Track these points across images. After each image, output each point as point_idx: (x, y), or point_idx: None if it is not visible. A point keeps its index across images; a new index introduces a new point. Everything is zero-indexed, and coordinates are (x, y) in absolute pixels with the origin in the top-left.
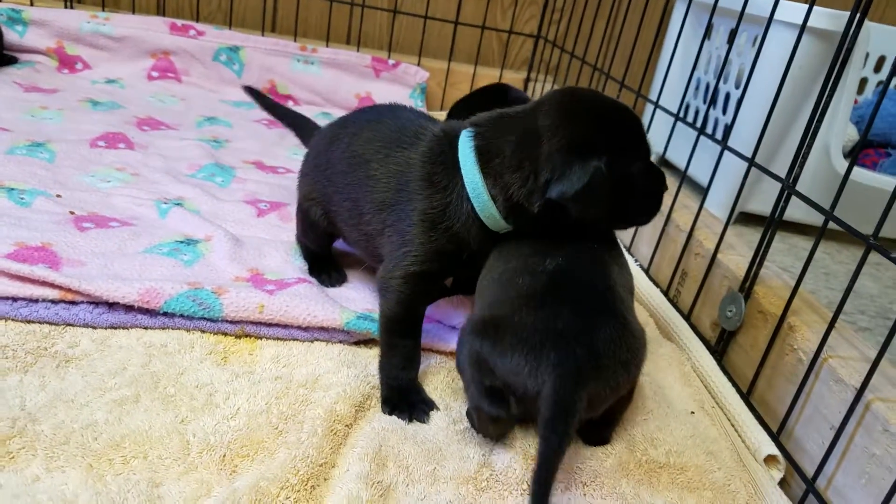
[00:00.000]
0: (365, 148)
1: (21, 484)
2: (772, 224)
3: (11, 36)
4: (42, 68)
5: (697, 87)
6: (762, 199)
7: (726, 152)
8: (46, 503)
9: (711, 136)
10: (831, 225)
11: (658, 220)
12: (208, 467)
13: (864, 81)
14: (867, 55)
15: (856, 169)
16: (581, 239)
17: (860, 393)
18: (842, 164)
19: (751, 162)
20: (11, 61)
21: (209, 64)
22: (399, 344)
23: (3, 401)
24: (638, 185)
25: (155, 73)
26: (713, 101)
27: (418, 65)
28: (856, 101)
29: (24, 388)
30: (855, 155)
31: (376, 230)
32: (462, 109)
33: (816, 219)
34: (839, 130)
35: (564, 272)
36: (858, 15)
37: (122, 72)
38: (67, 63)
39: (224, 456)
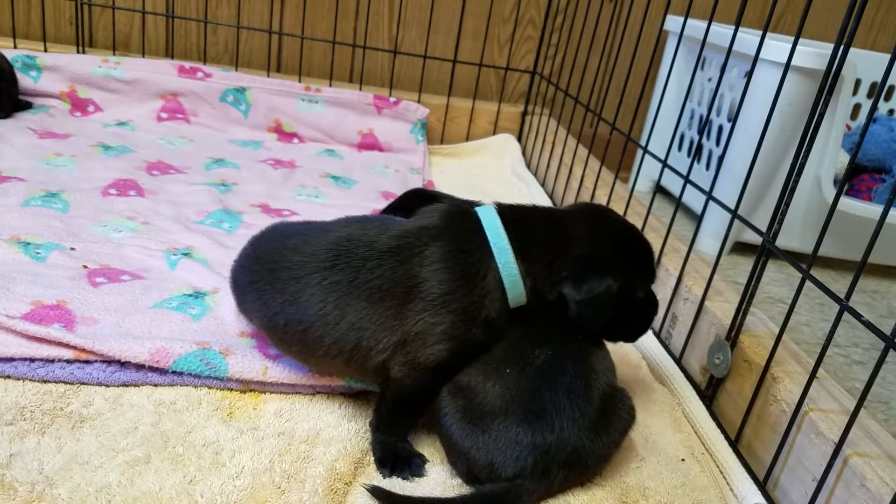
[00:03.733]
0: (351, 285)
1: None
2: (754, 274)
3: (26, 81)
4: (56, 112)
5: (692, 118)
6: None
7: (718, 185)
8: None
9: (697, 186)
10: (827, 252)
11: None
12: None
13: (857, 107)
14: (859, 81)
15: (848, 200)
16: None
17: (838, 448)
18: (832, 195)
19: (734, 214)
20: (26, 106)
21: (217, 104)
22: (407, 420)
23: (23, 464)
24: (637, 309)
25: (164, 115)
26: (706, 133)
27: (418, 101)
28: (849, 128)
29: (41, 451)
30: (839, 191)
31: (390, 346)
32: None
33: (811, 247)
34: (830, 161)
35: (551, 369)
36: (841, 50)
37: (132, 114)
38: (80, 106)
39: None
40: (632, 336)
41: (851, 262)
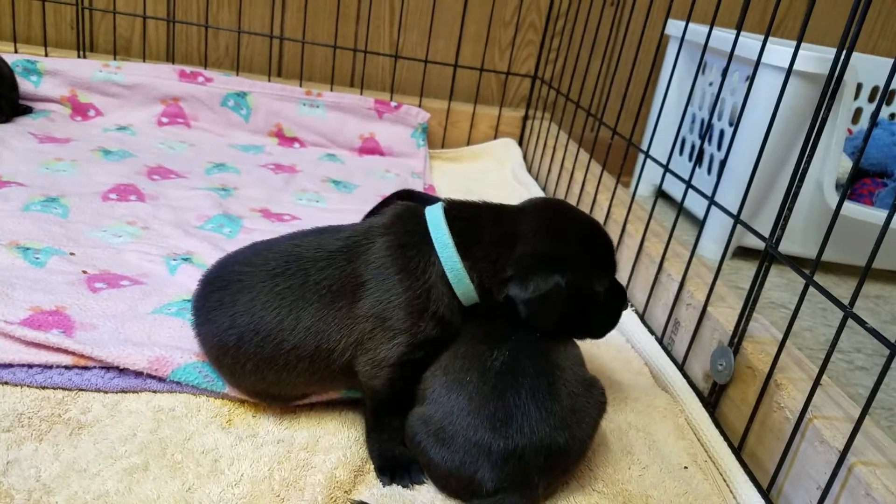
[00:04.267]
0: (302, 288)
1: None
2: (757, 280)
3: (27, 86)
4: (56, 117)
5: (693, 122)
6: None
7: (720, 190)
8: None
9: (699, 191)
10: (827, 256)
11: (651, 268)
12: None
13: (859, 111)
14: (860, 86)
15: (850, 205)
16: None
17: (842, 457)
18: (835, 199)
19: (736, 219)
20: (27, 111)
21: (217, 109)
22: (390, 423)
23: (20, 471)
24: (597, 304)
25: (165, 119)
26: (708, 138)
27: (419, 106)
28: (850, 132)
29: (38, 458)
30: (842, 197)
31: (349, 347)
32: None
33: (813, 252)
34: (832, 166)
35: (511, 370)
36: (844, 55)
37: (133, 118)
38: (80, 111)
39: None
40: (598, 332)
41: (852, 267)
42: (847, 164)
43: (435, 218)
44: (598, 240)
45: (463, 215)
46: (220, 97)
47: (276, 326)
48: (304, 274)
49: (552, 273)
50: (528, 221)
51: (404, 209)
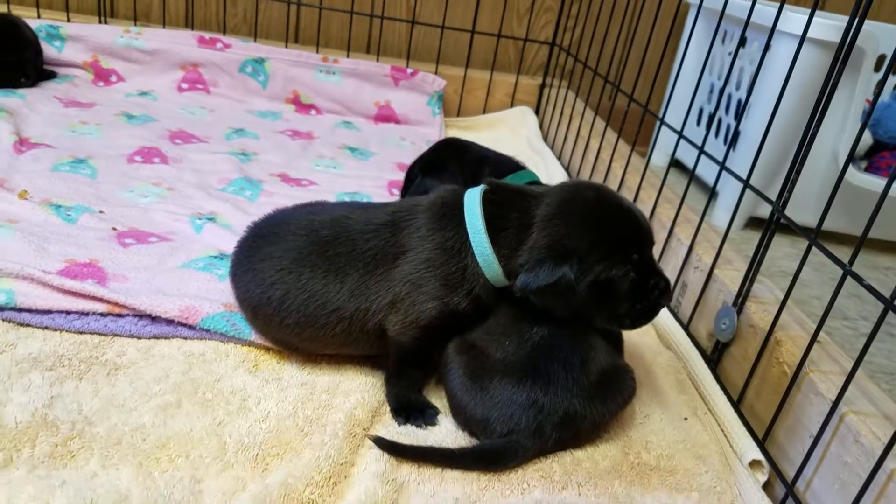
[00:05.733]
0: (350, 256)
1: (81, 479)
2: (763, 241)
3: (50, 51)
4: (80, 82)
5: (711, 91)
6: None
7: (731, 161)
8: (104, 496)
9: (710, 156)
10: (845, 229)
11: (661, 233)
12: (243, 465)
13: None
14: (883, 57)
15: (867, 177)
16: None
17: (835, 406)
18: (850, 171)
19: (745, 183)
20: (51, 76)
21: (236, 75)
22: (410, 372)
23: (63, 405)
24: (622, 294)
25: (185, 85)
26: (725, 107)
27: (436, 73)
28: (869, 102)
29: (80, 394)
30: (847, 160)
31: (383, 308)
32: (422, 167)
33: (829, 224)
34: (849, 137)
35: (548, 344)
36: (857, 21)
37: (154, 84)
38: (103, 76)
39: (257, 455)
40: (625, 323)
41: (868, 240)
42: (869, 139)
43: (471, 202)
44: (621, 226)
45: (497, 199)
46: (239, 63)
47: (321, 289)
48: (353, 244)
49: (561, 264)
50: (546, 207)
51: (447, 192)
